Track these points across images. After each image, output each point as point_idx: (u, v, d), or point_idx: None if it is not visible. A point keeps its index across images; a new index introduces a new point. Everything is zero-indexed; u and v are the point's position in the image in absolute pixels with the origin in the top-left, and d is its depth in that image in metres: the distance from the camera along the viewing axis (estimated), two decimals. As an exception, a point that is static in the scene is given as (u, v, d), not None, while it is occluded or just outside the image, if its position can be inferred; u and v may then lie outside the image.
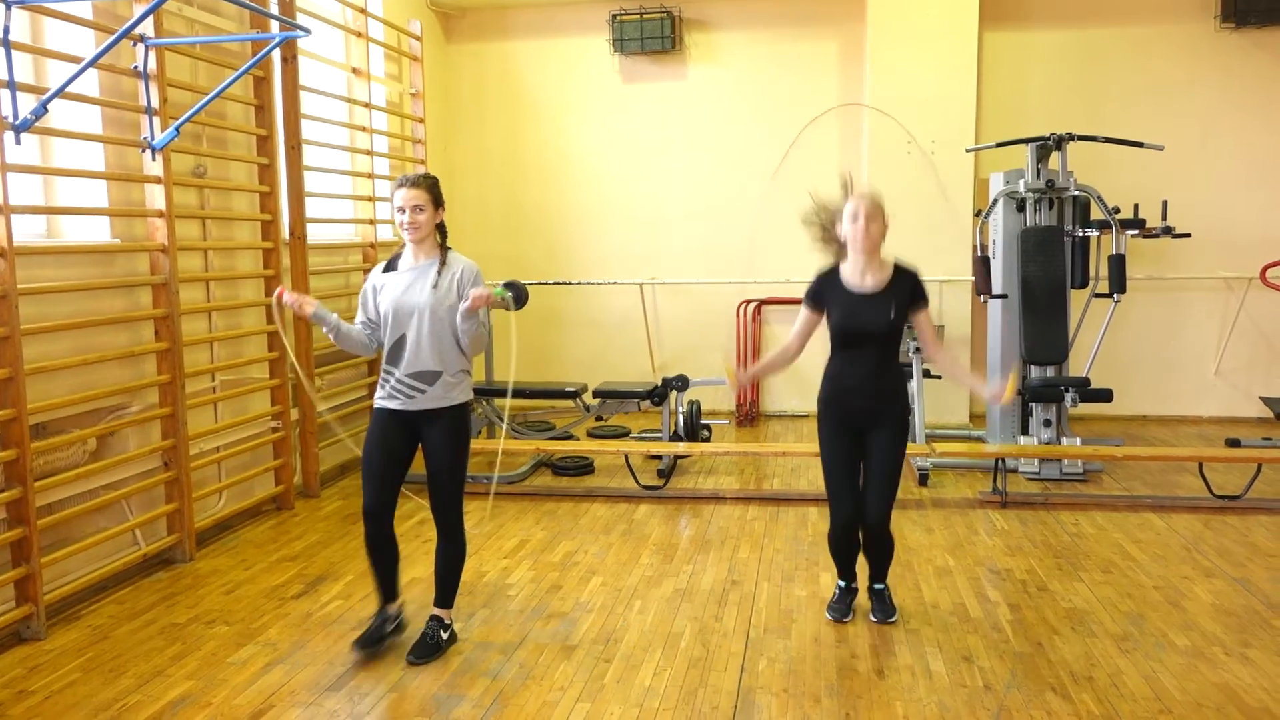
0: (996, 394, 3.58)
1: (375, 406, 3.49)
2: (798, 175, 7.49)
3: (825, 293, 3.56)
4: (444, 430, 3.40)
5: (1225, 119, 7.16)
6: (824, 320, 3.58)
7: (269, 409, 5.19)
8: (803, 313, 3.61)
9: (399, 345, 3.39)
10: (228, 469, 4.95)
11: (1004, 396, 3.51)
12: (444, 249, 3.48)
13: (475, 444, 6.06)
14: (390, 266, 3.49)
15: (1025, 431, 5.93)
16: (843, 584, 3.79)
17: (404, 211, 3.36)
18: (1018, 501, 5.24)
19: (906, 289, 3.51)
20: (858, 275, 3.51)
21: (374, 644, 3.49)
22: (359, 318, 3.51)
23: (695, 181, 7.75)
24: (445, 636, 3.51)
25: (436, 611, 3.54)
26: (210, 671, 3.33)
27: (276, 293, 3.37)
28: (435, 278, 3.39)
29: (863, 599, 3.81)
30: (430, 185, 3.42)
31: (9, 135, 3.47)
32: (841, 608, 3.74)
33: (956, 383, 3.71)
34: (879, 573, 3.76)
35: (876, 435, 3.56)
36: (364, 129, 6.20)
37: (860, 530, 3.63)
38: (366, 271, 6.26)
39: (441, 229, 3.50)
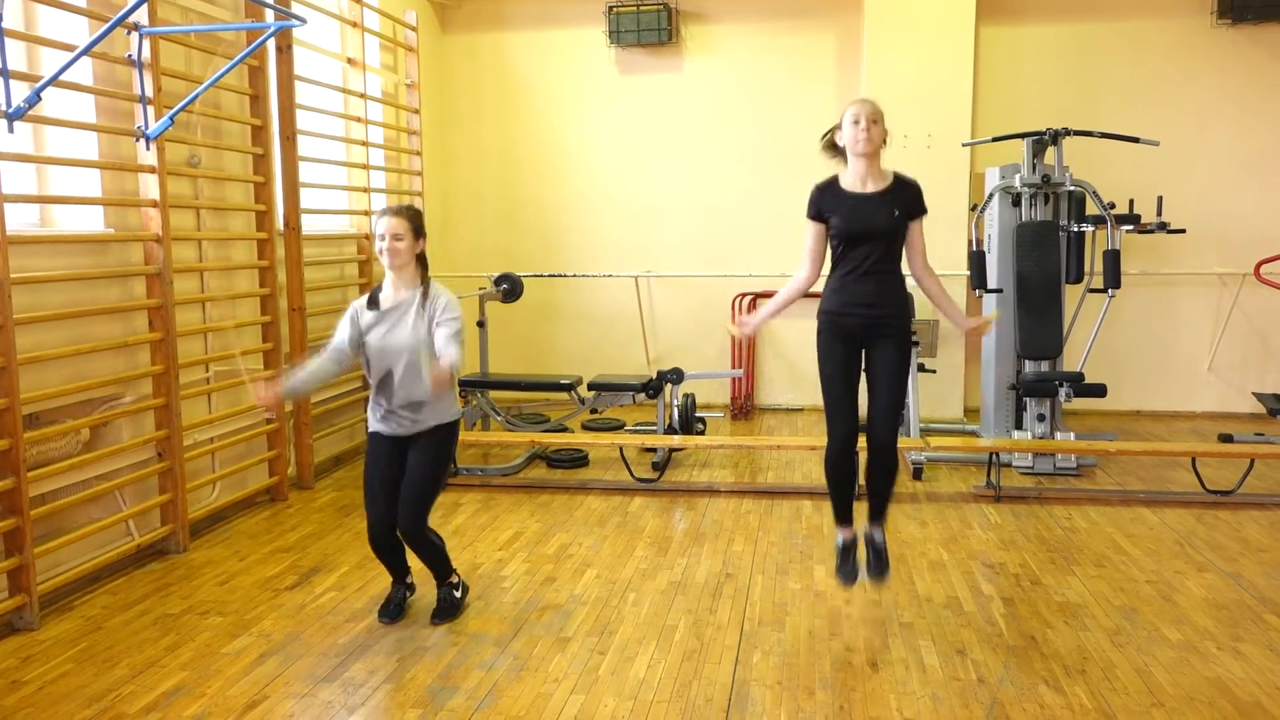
0: (973, 327, 3.59)
1: (369, 430, 3.65)
2: (794, 170, 7.49)
3: (825, 201, 3.54)
4: (426, 447, 3.56)
5: (1221, 115, 7.17)
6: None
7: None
8: (809, 230, 3.58)
9: (386, 380, 3.52)
10: (222, 460, 4.94)
11: (984, 326, 3.51)
12: (425, 281, 3.56)
13: (469, 436, 6.09)
14: (373, 300, 3.58)
15: (1019, 426, 5.94)
16: (841, 541, 3.70)
17: (384, 239, 3.46)
18: (1011, 496, 5.25)
19: (907, 194, 3.51)
20: (858, 180, 3.51)
21: (398, 613, 3.69)
22: (335, 339, 3.57)
23: (691, 174, 7.74)
24: (459, 595, 3.74)
25: (441, 589, 3.73)
26: (204, 662, 3.33)
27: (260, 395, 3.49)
28: (418, 315, 3.48)
29: (861, 557, 3.71)
30: (411, 215, 3.52)
31: (2, 123, 3.45)
32: (847, 569, 3.67)
33: (935, 305, 3.69)
34: (879, 507, 3.66)
35: (880, 347, 3.51)
36: (359, 120, 6.17)
37: (867, 451, 3.56)
38: (360, 263, 6.27)
39: (423, 260, 3.58)
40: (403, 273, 3.51)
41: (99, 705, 3.04)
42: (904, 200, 3.50)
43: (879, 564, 3.66)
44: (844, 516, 3.71)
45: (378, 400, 3.57)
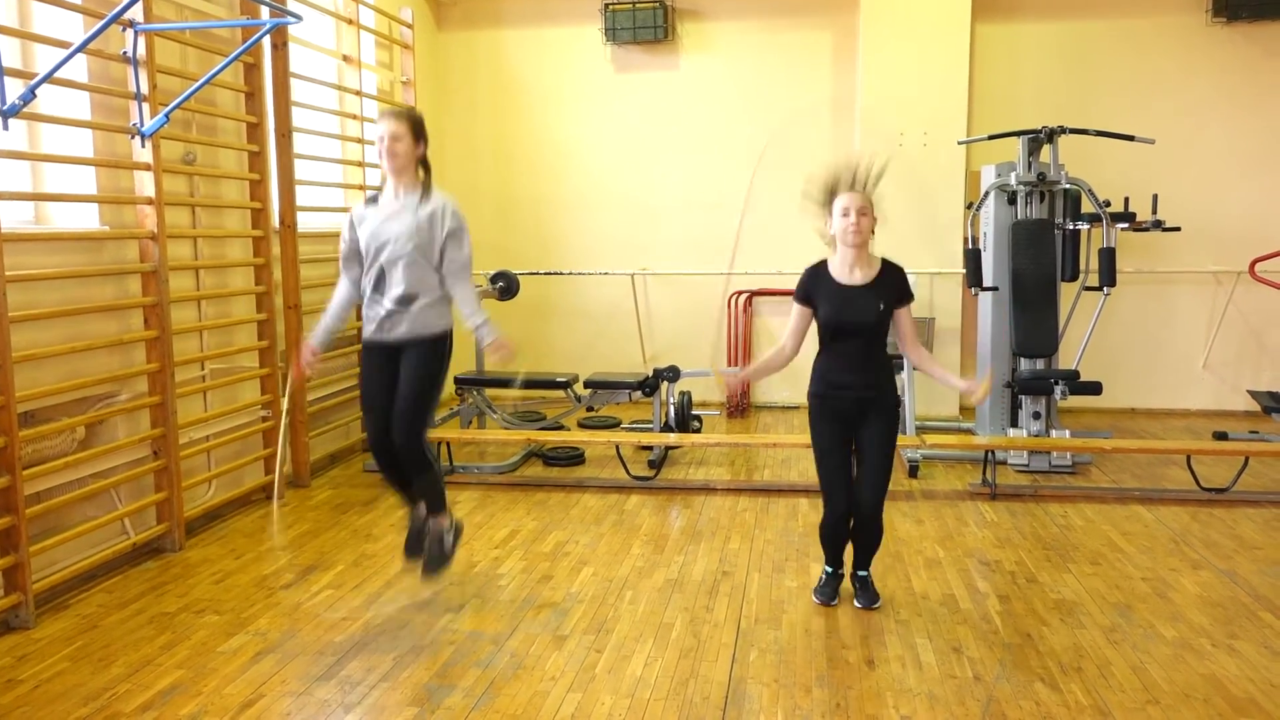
0: (971, 388, 3.63)
1: (362, 341, 3.65)
2: (790, 166, 7.48)
3: (814, 288, 3.61)
4: (418, 356, 3.53)
5: (1216, 113, 7.18)
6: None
7: (259, 398, 5.17)
8: (795, 310, 3.67)
9: (380, 276, 3.51)
10: (217, 458, 4.93)
11: (978, 394, 3.56)
12: (426, 184, 3.56)
13: (465, 434, 6.08)
14: (372, 201, 3.60)
15: (1015, 424, 5.95)
16: (828, 571, 3.84)
17: (383, 141, 3.47)
18: (1007, 493, 5.26)
19: (894, 284, 3.58)
20: (846, 269, 3.57)
21: (419, 547, 3.71)
22: (341, 254, 3.65)
23: (687, 172, 7.74)
24: (451, 540, 3.71)
25: (431, 522, 3.69)
26: (200, 661, 3.32)
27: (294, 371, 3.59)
28: (416, 209, 3.50)
29: (847, 585, 3.84)
30: (411, 118, 3.53)
31: (-3, 120, 3.44)
32: (828, 592, 3.79)
33: (931, 377, 3.78)
34: (864, 560, 3.80)
35: (868, 427, 3.61)
36: (354, 117, 6.16)
37: (854, 520, 3.67)
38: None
39: (425, 165, 3.58)
40: (403, 176, 3.51)
41: (95, 704, 3.03)
42: (890, 291, 3.57)
43: (866, 594, 3.77)
44: (834, 561, 3.84)
45: (371, 299, 3.54)
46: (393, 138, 3.45)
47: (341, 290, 3.70)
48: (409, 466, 3.59)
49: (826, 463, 3.65)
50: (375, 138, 3.49)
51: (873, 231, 3.55)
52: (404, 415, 3.51)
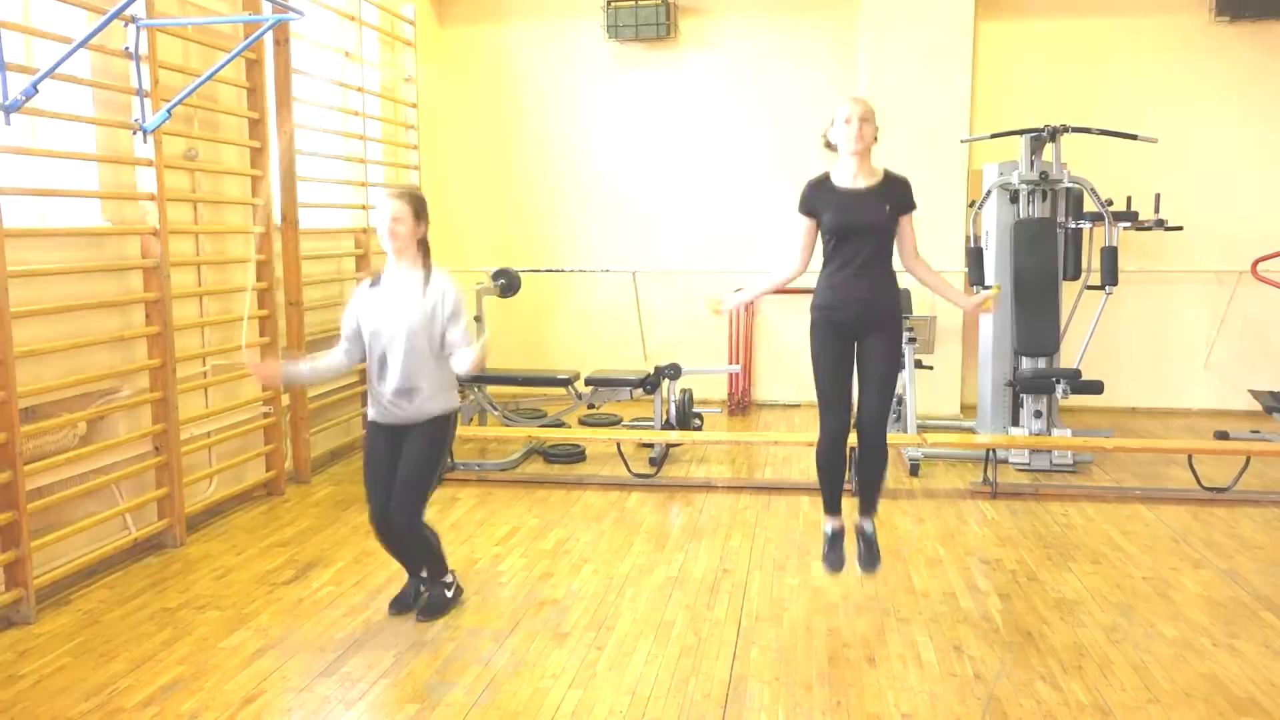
0: (976, 305, 3.66)
1: (367, 420, 3.67)
2: (791, 165, 7.48)
3: (817, 197, 3.60)
4: (420, 437, 3.55)
5: (1219, 112, 7.17)
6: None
7: (260, 394, 5.17)
8: (801, 224, 3.64)
9: (382, 364, 3.53)
10: (219, 454, 4.93)
11: (985, 304, 3.61)
12: (427, 265, 3.56)
13: (466, 431, 6.08)
14: (376, 283, 3.61)
15: (1016, 423, 5.95)
16: (830, 529, 3.78)
17: (384, 221, 3.48)
18: (1008, 492, 5.26)
19: (898, 190, 3.57)
20: (849, 176, 3.57)
21: (407, 605, 3.70)
22: (343, 331, 3.64)
23: (688, 169, 7.74)
24: (450, 595, 3.72)
25: (433, 584, 3.72)
26: (201, 656, 3.33)
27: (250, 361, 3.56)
28: (416, 299, 3.50)
29: (850, 548, 3.79)
30: (413, 199, 3.53)
31: (-1, 116, 3.43)
32: (834, 557, 3.74)
33: (931, 289, 3.77)
34: (869, 499, 3.73)
35: (871, 340, 3.58)
36: (356, 113, 6.15)
37: (857, 441, 3.62)
38: (358, 257, 6.26)
39: (424, 245, 3.59)
40: (403, 255, 3.52)
41: (96, 699, 3.04)
42: (895, 196, 3.56)
43: (870, 555, 3.73)
44: (833, 507, 3.79)
45: (374, 386, 3.57)
46: (394, 219, 3.45)
47: (333, 356, 3.66)
48: (407, 539, 3.61)
49: (825, 377, 3.60)
50: (376, 218, 3.49)
51: (875, 139, 3.55)
52: (403, 495, 3.53)
